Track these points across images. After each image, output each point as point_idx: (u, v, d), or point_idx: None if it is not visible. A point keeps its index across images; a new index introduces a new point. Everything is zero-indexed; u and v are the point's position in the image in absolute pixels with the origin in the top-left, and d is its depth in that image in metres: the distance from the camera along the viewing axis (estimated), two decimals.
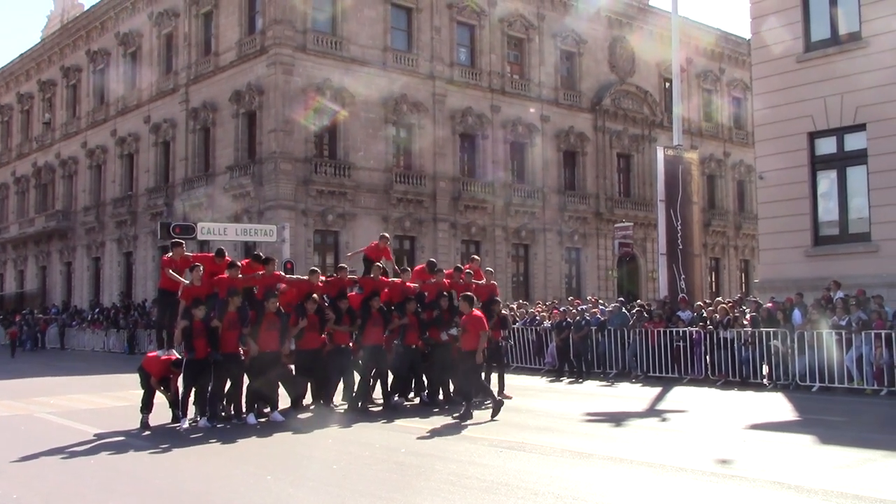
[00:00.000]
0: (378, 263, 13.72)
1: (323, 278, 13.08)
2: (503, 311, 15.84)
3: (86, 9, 46.05)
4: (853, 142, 17.53)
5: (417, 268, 15.14)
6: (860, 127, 17.24)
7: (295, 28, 31.60)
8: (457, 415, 11.61)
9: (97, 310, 38.02)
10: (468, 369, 11.78)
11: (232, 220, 31.29)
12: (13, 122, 52.56)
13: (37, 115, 49.62)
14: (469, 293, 12.29)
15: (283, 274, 12.84)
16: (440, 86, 35.39)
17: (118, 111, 41.46)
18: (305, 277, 12.85)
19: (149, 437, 10.51)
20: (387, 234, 15.75)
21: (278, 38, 31.22)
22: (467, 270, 14.50)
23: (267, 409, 11.75)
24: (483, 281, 14.58)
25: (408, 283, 13.67)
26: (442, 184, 35.10)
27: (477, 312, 11.90)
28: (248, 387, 11.78)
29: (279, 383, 12.02)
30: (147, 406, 11.29)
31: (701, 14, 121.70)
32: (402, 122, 34.51)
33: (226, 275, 11.82)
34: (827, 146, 17.98)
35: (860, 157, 17.33)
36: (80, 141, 44.42)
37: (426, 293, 13.69)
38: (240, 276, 11.91)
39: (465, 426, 10.96)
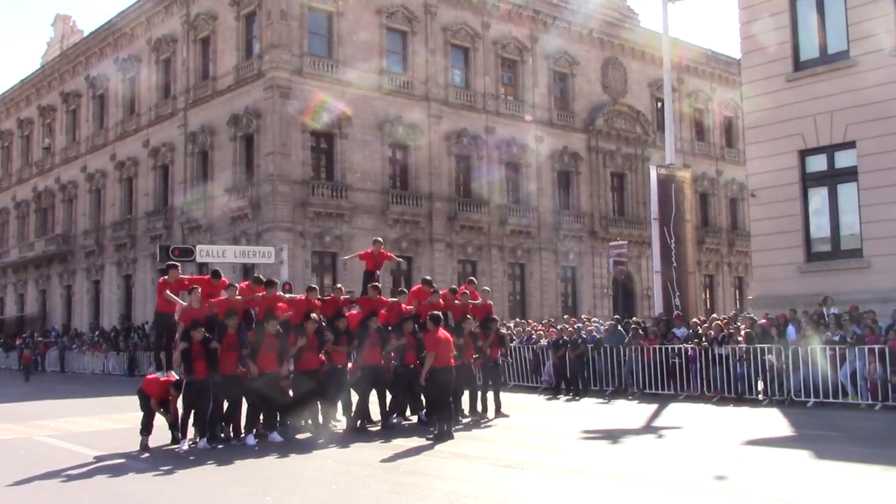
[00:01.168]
0: (377, 283, 13.86)
1: (318, 300, 13.10)
2: (501, 330, 15.99)
3: (85, 35, 46.44)
4: (843, 159, 17.73)
5: (414, 288, 15.28)
6: (850, 144, 17.45)
7: (291, 52, 31.91)
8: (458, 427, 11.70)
9: (97, 332, 38.03)
10: (429, 387, 11.92)
11: (230, 243, 31.43)
12: (13, 147, 52.80)
13: (37, 141, 49.86)
14: (436, 313, 12.36)
15: (282, 294, 12.93)
16: (435, 107, 35.67)
17: (117, 136, 41.69)
18: (303, 296, 12.92)
19: (148, 460, 10.54)
20: (379, 238, 15.87)
21: (275, 63, 31.51)
22: (463, 291, 14.65)
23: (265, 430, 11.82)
24: (479, 300, 14.74)
25: (404, 305, 13.79)
26: (438, 204, 35.29)
27: (441, 333, 11.81)
28: (247, 407, 11.85)
29: (278, 403, 12.09)
30: (147, 428, 11.34)
31: (692, 34, 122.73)
32: (398, 143, 34.76)
33: (224, 296, 11.92)
34: (818, 163, 18.17)
35: (851, 174, 17.52)
36: (80, 165, 44.62)
37: (422, 314, 13.84)
38: (238, 297, 12.01)
39: (462, 444, 11.04)
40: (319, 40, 33.16)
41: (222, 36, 34.76)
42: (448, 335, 12.11)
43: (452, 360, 11.97)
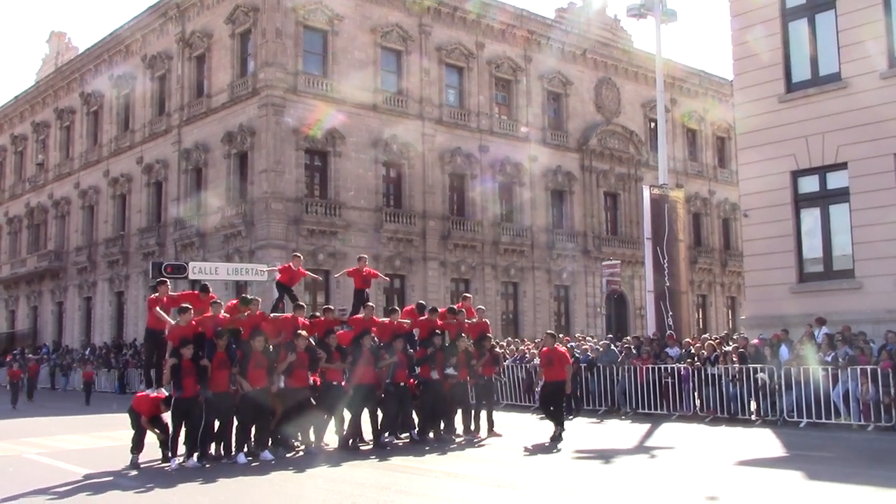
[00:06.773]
0: (370, 303, 13.88)
1: (304, 321, 12.92)
2: (496, 349, 15.98)
3: (80, 51, 46.54)
4: (835, 180, 17.78)
5: (407, 308, 15.29)
6: (842, 165, 17.54)
7: (286, 70, 32.03)
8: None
9: (88, 350, 37.82)
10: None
11: (223, 260, 31.35)
12: (7, 163, 52.72)
13: (30, 157, 49.81)
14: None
15: (266, 313, 12.90)
16: (429, 126, 35.80)
17: (111, 152, 41.69)
18: (289, 315, 12.87)
19: (137, 478, 10.49)
20: (364, 256, 16.09)
21: (269, 81, 31.61)
22: (459, 308, 14.67)
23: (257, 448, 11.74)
24: (475, 319, 14.75)
25: (399, 321, 13.79)
26: (431, 223, 35.33)
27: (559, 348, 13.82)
28: (237, 426, 11.78)
29: (269, 420, 12.02)
30: (137, 446, 11.28)
31: (685, 55, 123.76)
32: (392, 161, 34.85)
33: (209, 312, 11.90)
34: (810, 184, 18.22)
35: (842, 194, 17.58)
36: (73, 182, 44.58)
37: (417, 330, 13.88)
38: (223, 314, 11.98)
39: (454, 464, 10.98)
40: (314, 58, 33.30)
41: (217, 53, 34.88)
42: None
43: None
